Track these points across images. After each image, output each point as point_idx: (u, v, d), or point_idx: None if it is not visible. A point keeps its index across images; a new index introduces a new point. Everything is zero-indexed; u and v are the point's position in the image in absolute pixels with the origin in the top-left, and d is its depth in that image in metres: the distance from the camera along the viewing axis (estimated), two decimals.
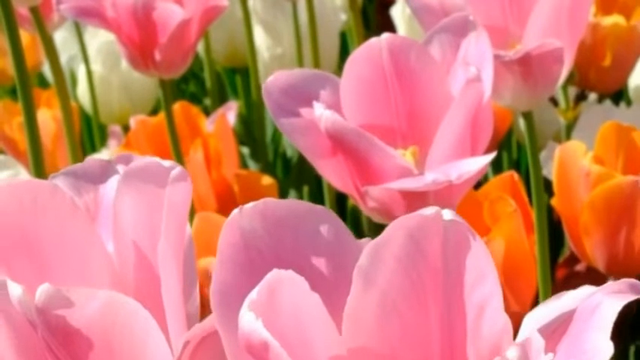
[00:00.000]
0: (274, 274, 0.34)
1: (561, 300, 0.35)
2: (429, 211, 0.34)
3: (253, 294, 0.33)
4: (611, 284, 0.34)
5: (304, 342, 0.34)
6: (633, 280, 0.33)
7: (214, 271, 0.35)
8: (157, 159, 0.40)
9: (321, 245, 0.36)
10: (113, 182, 0.42)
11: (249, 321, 0.32)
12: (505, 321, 0.35)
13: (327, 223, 0.36)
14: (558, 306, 0.35)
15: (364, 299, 0.35)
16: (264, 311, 0.33)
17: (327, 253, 0.36)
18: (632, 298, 0.33)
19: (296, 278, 0.34)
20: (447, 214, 0.34)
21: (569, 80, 0.98)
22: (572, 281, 0.91)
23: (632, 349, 0.92)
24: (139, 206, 0.40)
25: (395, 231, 0.34)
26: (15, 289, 0.35)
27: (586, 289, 0.34)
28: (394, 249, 0.34)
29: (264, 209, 0.36)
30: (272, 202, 0.36)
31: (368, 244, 0.35)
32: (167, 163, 0.39)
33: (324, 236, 0.36)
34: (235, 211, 0.36)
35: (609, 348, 0.32)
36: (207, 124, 1.06)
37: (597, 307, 0.33)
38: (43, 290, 0.35)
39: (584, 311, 0.33)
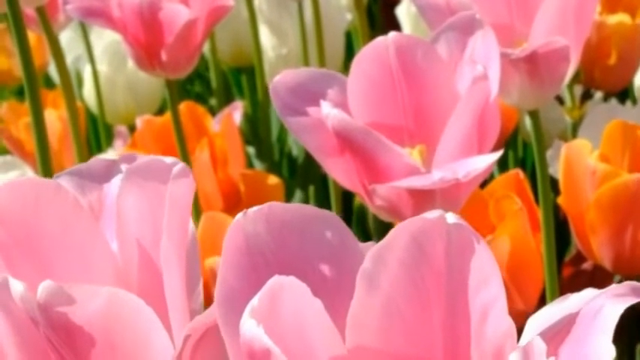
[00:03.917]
0: (275, 281, 0.34)
1: (564, 303, 0.35)
2: (433, 214, 0.34)
3: (254, 301, 0.33)
4: (614, 287, 0.33)
5: (306, 348, 0.34)
6: (636, 284, 0.33)
7: (218, 275, 0.35)
8: (159, 156, 0.40)
9: (325, 249, 0.36)
10: (117, 181, 0.42)
11: (250, 328, 0.32)
12: (509, 324, 0.34)
13: (332, 227, 0.36)
14: (561, 309, 0.35)
15: (368, 303, 0.35)
16: (266, 318, 0.33)
17: (331, 257, 0.36)
18: (634, 301, 0.33)
19: (297, 284, 0.34)
20: (451, 218, 0.34)
21: (575, 79, 0.98)
22: (578, 280, 0.91)
23: (638, 348, 0.92)
24: (141, 203, 0.40)
25: (398, 234, 0.34)
26: (17, 286, 0.35)
27: (589, 292, 0.34)
28: (398, 252, 0.34)
29: (268, 213, 0.36)
30: (276, 206, 0.36)
31: (372, 248, 0.35)
32: (169, 159, 0.39)
33: (329, 241, 0.36)
34: (239, 214, 0.35)
35: (611, 351, 0.32)
36: (213, 124, 1.06)
37: (599, 310, 0.33)
38: (44, 287, 0.35)
39: (586, 314, 0.33)
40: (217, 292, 0.35)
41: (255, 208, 0.36)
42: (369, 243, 0.36)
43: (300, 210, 0.36)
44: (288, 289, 0.34)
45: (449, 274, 0.35)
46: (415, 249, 0.34)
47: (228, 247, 0.35)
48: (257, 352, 0.32)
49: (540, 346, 0.33)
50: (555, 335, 0.34)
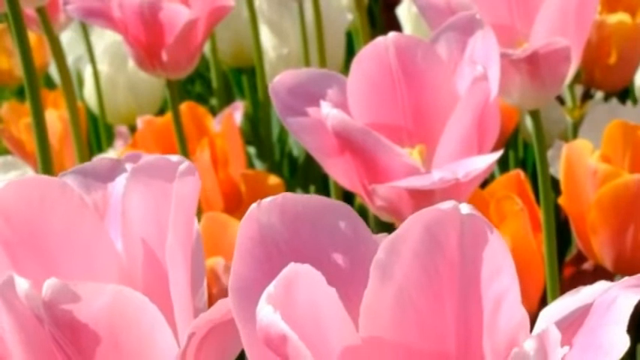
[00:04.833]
0: (291, 268, 0.34)
1: (578, 294, 0.35)
2: (447, 205, 0.34)
3: (271, 287, 0.33)
4: (627, 279, 0.34)
5: (321, 336, 0.34)
6: None
7: (232, 265, 0.35)
8: (164, 155, 0.40)
9: (338, 240, 0.36)
10: (122, 180, 0.42)
11: (267, 314, 0.32)
12: (522, 315, 0.35)
13: (345, 217, 0.37)
14: (574, 300, 0.35)
15: (381, 293, 0.35)
16: (282, 304, 0.33)
17: (344, 247, 0.36)
18: None
19: (312, 272, 0.34)
20: (465, 208, 0.34)
21: (576, 79, 0.98)
22: (579, 280, 0.91)
23: (638, 348, 0.92)
24: (147, 202, 0.40)
25: (412, 225, 0.35)
26: (22, 284, 0.36)
27: (602, 284, 0.34)
28: (411, 243, 0.35)
29: (282, 203, 0.36)
30: (290, 196, 0.36)
31: (385, 238, 0.35)
32: (175, 158, 0.39)
33: (342, 231, 0.36)
34: (254, 205, 0.36)
35: (625, 341, 0.32)
36: (214, 124, 1.06)
37: (613, 301, 0.33)
38: (50, 285, 0.35)
39: (600, 305, 0.33)
40: (231, 281, 0.35)
41: (269, 199, 0.36)
42: (382, 234, 0.36)
43: (314, 201, 0.37)
44: (303, 277, 0.34)
45: (462, 264, 0.35)
46: (428, 239, 0.35)
47: (242, 237, 0.35)
48: (274, 337, 0.32)
49: (555, 335, 0.33)
50: (569, 326, 0.34)
